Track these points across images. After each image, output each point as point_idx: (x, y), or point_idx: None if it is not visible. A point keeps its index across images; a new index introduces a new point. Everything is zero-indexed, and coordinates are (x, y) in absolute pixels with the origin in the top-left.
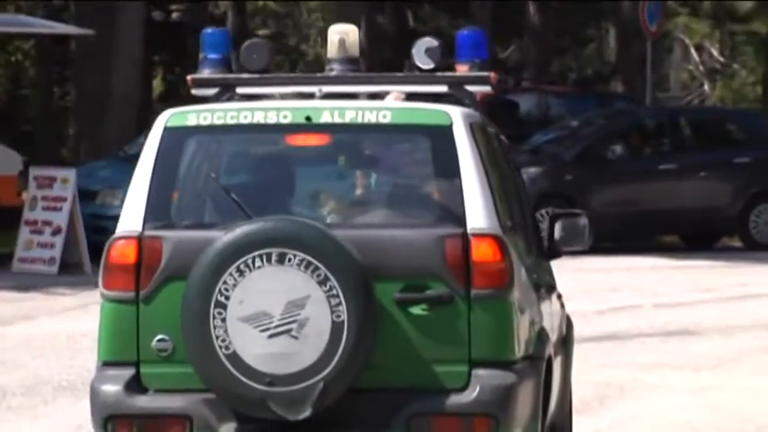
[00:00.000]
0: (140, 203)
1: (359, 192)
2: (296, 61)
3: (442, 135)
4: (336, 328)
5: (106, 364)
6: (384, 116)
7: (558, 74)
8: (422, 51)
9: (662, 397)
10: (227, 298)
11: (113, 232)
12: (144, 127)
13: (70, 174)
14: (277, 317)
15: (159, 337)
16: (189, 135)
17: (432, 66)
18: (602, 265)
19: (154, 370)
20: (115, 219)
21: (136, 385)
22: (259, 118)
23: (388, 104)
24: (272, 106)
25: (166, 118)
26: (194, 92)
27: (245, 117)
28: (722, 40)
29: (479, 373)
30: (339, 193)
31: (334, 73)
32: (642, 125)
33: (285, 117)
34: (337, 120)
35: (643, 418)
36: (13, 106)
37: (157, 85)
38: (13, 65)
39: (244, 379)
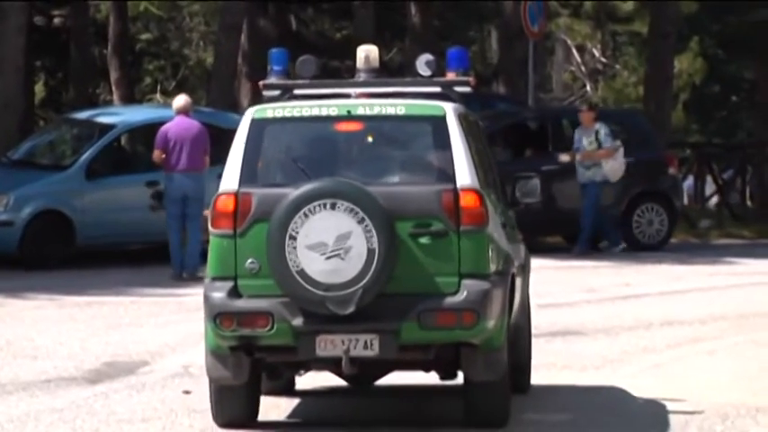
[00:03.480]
0: (236, 170)
1: (382, 161)
2: (178, 65)
3: (439, 122)
4: (370, 252)
5: (213, 278)
6: (400, 109)
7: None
8: (422, 63)
9: (546, 398)
10: (297, 233)
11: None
12: (26, 132)
13: None
14: (331, 245)
15: (250, 260)
16: (268, 124)
17: (429, 73)
18: None
19: (246, 282)
20: (1, 225)
21: (234, 292)
22: (315, 111)
23: (402, 101)
24: (323, 103)
25: (253, 112)
26: (264, 93)
27: (306, 111)
28: (604, 41)
29: (466, 282)
30: (369, 161)
31: (361, 79)
32: (525, 126)
33: (333, 110)
34: (368, 112)
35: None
36: None
37: (39, 90)
38: None
39: (309, 287)
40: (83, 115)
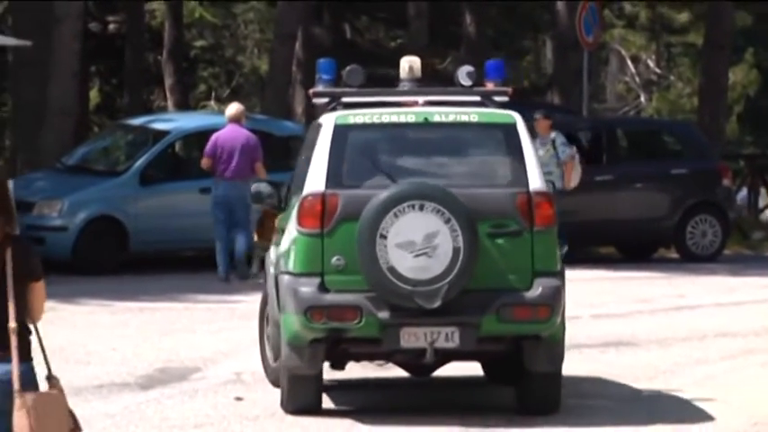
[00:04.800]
0: (322, 173)
1: (458, 165)
2: (232, 72)
3: (510, 129)
4: (456, 251)
5: (299, 274)
6: (473, 117)
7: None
8: (464, 73)
9: (600, 409)
10: (387, 232)
11: (51, 243)
12: (81, 138)
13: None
14: (419, 244)
15: (336, 257)
16: (350, 129)
17: (470, 83)
18: None
19: (333, 278)
20: (52, 230)
21: (322, 288)
22: (394, 118)
23: (475, 109)
24: (401, 111)
25: (335, 118)
26: (314, 101)
27: (386, 117)
28: (658, 52)
29: (539, 279)
30: (446, 165)
31: (406, 88)
32: (578, 136)
33: (411, 117)
34: (444, 119)
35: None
36: None
37: (94, 96)
38: None
39: (398, 283)
40: (137, 121)
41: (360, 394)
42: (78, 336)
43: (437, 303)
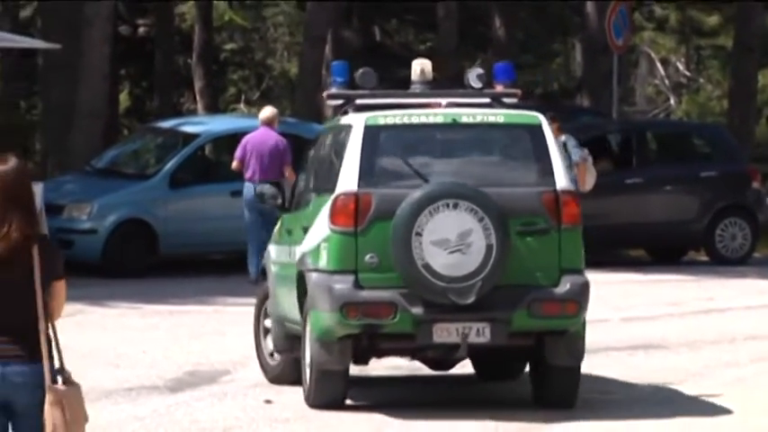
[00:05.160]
0: (355, 173)
1: (486, 164)
2: (262, 75)
3: (536, 130)
4: (489, 248)
5: (333, 272)
6: (499, 118)
7: (523, 88)
8: (474, 76)
9: (630, 411)
10: (423, 229)
11: (80, 246)
12: (111, 141)
13: (37, 188)
14: (453, 241)
15: (370, 254)
16: (381, 130)
17: (480, 85)
18: None
19: (366, 275)
20: (82, 233)
21: (357, 284)
22: (423, 119)
23: (501, 110)
24: (429, 112)
25: (365, 120)
26: (328, 102)
27: (414, 118)
28: (688, 55)
29: (566, 275)
30: (474, 164)
31: (417, 90)
32: (608, 139)
33: (439, 118)
34: (471, 120)
35: None
36: None
37: (124, 99)
38: None
39: (433, 279)
40: (167, 124)
41: (374, 390)
42: (108, 338)
43: (471, 299)
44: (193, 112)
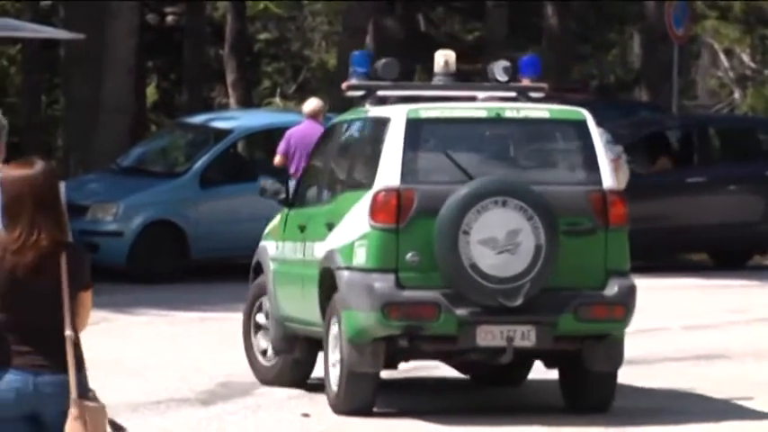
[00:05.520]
0: (396, 168)
1: (530, 161)
2: (299, 67)
3: (582, 126)
4: (537, 248)
5: (372, 270)
6: (544, 113)
7: (578, 81)
8: (500, 68)
9: (694, 424)
10: (470, 228)
11: (105, 249)
12: (137, 138)
13: (59, 187)
14: (501, 240)
15: (411, 253)
16: (423, 123)
17: (506, 78)
18: None
19: (407, 274)
20: (107, 235)
21: (398, 284)
22: (465, 113)
23: (545, 105)
24: (471, 105)
25: (406, 112)
26: (350, 93)
27: (457, 112)
28: (753, 45)
29: (613, 278)
30: (518, 161)
31: (441, 83)
32: (667, 135)
33: (482, 113)
34: (515, 114)
35: None
36: None
37: (151, 93)
38: None
39: (480, 280)
40: (197, 120)
41: (395, 396)
42: (135, 348)
43: (519, 301)
44: (225, 107)
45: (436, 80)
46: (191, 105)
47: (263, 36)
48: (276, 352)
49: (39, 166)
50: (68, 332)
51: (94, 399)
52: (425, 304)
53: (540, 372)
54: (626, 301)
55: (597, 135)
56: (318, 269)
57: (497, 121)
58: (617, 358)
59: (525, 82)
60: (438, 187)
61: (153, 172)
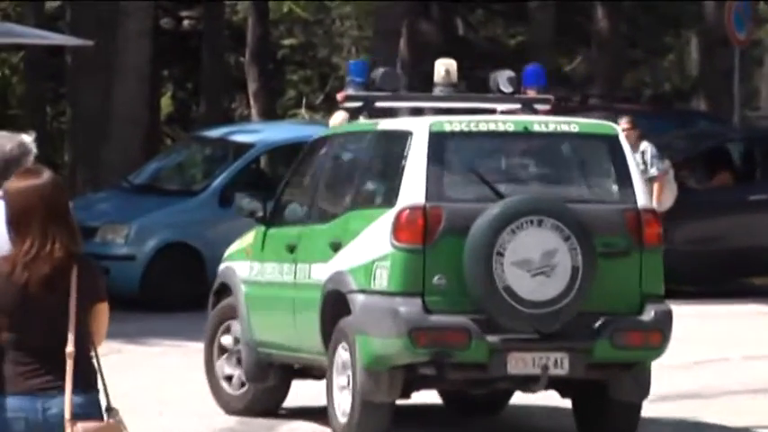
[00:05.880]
0: (421, 184)
1: (560, 178)
2: (326, 75)
3: (613, 141)
4: (574, 270)
5: (395, 293)
6: (573, 127)
7: (631, 89)
8: (504, 79)
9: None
10: (504, 249)
11: (116, 275)
12: (151, 152)
13: None
14: (536, 262)
15: (438, 276)
16: (447, 137)
17: (511, 90)
18: (683, 312)
19: (434, 298)
20: (118, 259)
21: (425, 308)
22: (492, 126)
23: (573, 119)
24: (497, 118)
25: (429, 126)
26: (346, 105)
27: (483, 125)
28: None
29: (649, 303)
30: (547, 178)
31: (443, 93)
32: (728, 149)
33: (509, 126)
34: (543, 128)
35: None
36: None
37: (166, 103)
38: None
39: (514, 304)
40: (216, 133)
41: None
42: (148, 381)
43: (556, 327)
44: (247, 119)
45: (437, 91)
46: (209, 117)
47: (287, 41)
48: (248, 379)
49: (46, 174)
50: (70, 348)
51: (115, 418)
52: (456, 330)
53: (525, 398)
54: (663, 328)
55: (629, 150)
56: (321, 292)
57: (525, 135)
58: (645, 388)
59: (530, 93)
60: (466, 205)
61: (168, 190)
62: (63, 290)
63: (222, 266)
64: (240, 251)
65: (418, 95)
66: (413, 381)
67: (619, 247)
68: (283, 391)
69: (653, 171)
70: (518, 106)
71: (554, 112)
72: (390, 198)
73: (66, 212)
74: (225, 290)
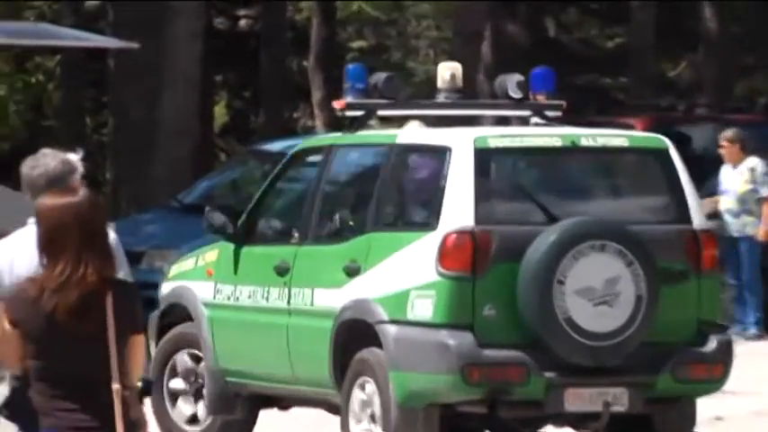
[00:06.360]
0: (469, 205)
1: (612, 196)
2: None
3: (664, 156)
4: (638, 299)
5: (441, 325)
6: (623, 141)
7: (743, 98)
8: (514, 84)
9: None
10: (566, 276)
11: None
12: (203, 168)
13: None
14: (599, 290)
15: (488, 305)
16: (493, 154)
17: (520, 95)
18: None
19: (484, 330)
20: None
21: (476, 342)
22: (539, 142)
23: (623, 132)
24: (543, 132)
25: (472, 141)
26: (347, 113)
27: (528, 141)
28: None
29: (708, 331)
30: (599, 196)
31: (448, 100)
32: None
33: (557, 141)
34: (592, 143)
35: None
36: (34, 141)
37: (220, 113)
38: (33, 88)
39: (576, 336)
40: (276, 146)
41: None
42: None
43: (619, 360)
44: (311, 131)
45: (441, 97)
46: (268, 129)
47: (356, 44)
48: (211, 412)
49: (82, 191)
50: (116, 386)
51: None
52: (513, 365)
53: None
54: (726, 360)
55: (682, 165)
56: (335, 321)
57: (573, 150)
58: (691, 421)
59: (540, 98)
60: (518, 228)
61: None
62: (97, 318)
63: (171, 285)
64: (198, 270)
65: (422, 103)
66: (450, 419)
67: (676, 271)
68: (250, 423)
69: (763, 191)
70: (528, 113)
71: (654, 123)
72: (429, 220)
73: (103, 234)
74: (174, 312)
